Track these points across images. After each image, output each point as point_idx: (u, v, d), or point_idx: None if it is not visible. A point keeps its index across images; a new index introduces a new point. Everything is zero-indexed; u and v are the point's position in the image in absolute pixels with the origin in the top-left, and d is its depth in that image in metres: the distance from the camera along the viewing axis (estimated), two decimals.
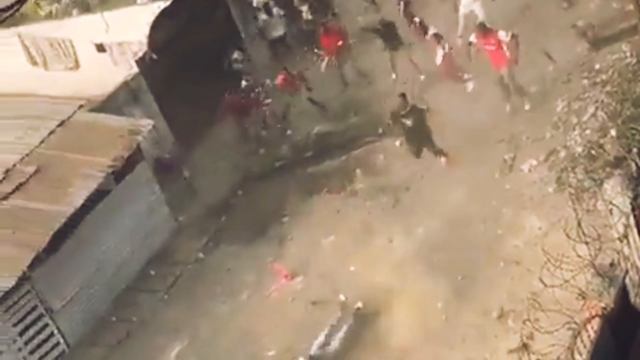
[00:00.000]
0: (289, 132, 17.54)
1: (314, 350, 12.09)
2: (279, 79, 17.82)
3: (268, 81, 18.09)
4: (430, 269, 12.75)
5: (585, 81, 14.81)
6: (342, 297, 12.87)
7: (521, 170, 13.84)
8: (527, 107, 15.01)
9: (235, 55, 18.54)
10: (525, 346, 9.12)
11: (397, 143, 15.91)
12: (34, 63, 17.78)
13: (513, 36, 14.62)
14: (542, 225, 11.73)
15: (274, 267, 14.17)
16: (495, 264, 12.26)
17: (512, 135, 14.58)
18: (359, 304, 12.59)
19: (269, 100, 17.76)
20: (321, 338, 12.23)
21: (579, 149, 13.19)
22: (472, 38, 15.70)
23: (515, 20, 16.66)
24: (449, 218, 13.51)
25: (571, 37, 15.81)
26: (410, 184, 14.84)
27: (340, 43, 17.83)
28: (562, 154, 13.44)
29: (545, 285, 9.63)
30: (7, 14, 6.87)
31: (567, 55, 15.49)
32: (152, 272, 15.22)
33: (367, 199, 14.98)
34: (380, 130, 16.38)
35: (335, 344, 12.15)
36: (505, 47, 14.92)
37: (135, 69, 16.99)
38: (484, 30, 15.32)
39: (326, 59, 17.94)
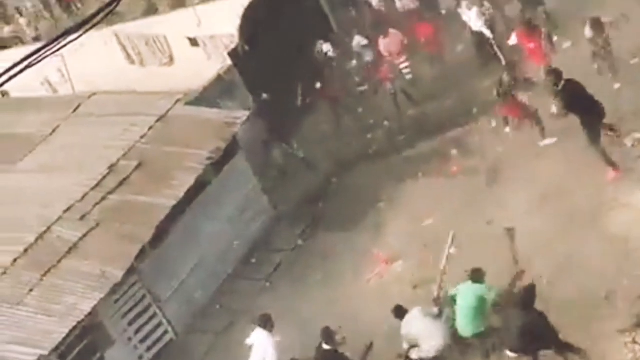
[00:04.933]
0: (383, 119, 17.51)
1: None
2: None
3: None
4: (531, 248, 12.51)
5: None
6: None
7: (625, 145, 13.42)
8: (616, 86, 14.36)
9: (324, 47, 18.49)
10: (638, 325, 8.86)
11: (493, 123, 15.68)
12: (131, 61, 18.27)
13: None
14: None
15: (373, 253, 14.19)
16: (601, 240, 11.90)
17: (614, 107, 14.15)
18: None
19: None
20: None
21: None
22: (513, 40, 15.27)
23: None
24: (550, 195, 13.21)
25: None
26: (507, 163, 14.59)
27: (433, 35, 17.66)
28: None
29: None
30: (100, 17, 7.02)
31: None
32: (253, 260, 15.46)
33: (464, 180, 14.81)
34: (474, 110, 16.18)
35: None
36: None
37: (228, 61, 17.23)
38: (529, 28, 14.75)
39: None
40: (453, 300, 11.23)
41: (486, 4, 16.95)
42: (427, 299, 12.55)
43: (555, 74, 12.75)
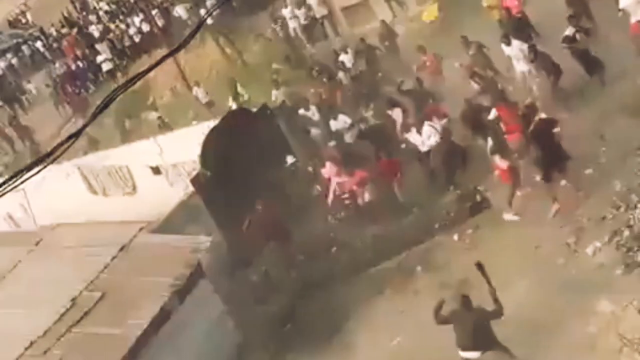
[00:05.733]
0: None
1: None
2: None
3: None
4: None
5: None
6: None
7: (586, 254, 13.60)
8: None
9: (288, 159, 18.79)
10: None
11: (455, 237, 15.83)
12: (94, 192, 18.31)
13: None
14: (615, 308, 11.42)
15: None
16: (570, 351, 11.89)
17: (574, 216, 14.42)
18: None
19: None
20: None
21: None
22: (493, 114, 16.40)
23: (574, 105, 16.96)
24: (516, 308, 13.14)
25: (623, 117, 15.81)
26: (472, 278, 14.60)
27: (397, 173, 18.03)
28: (626, 233, 13.23)
29: None
30: (61, 151, 7.11)
31: (620, 135, 15.45)
32: None
33: (430, 296, 14.77)
34: (436, 226, 16.34)
35: None
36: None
37: (191, 188, 17.34)
38: (507, 103, 16.60)
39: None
40: None
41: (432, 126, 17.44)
42: None
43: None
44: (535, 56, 18.11)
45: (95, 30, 37.38)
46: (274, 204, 17.52)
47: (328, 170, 17.97)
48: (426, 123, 17.49)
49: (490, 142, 15.73)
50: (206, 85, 28.55)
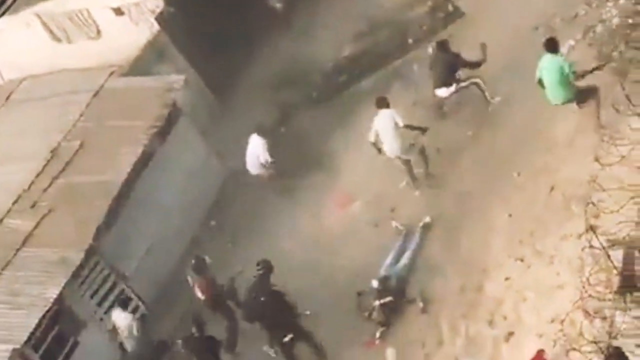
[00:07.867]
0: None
1: (384, 271, 12.16)
2: None
3: None
4: (484, 168, 12.71)
5: None
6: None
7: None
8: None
9: None
10: (592, 228, 9.05)
11: (429, 49, 15.67)
12: (57, 39, 17.81)
13: None
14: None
15: (331, 195, 14.21)
16: (548, 150, 12.13)
17: (545, 18, 14.22)
18: (427, 219, 12.62)
19: None
20: (389, 259, 12.29)
21: (616, 21, 12.86)
22: None
23: None
24: (495, 112, 13.38)
25: None
26: None
27: None
28: (599, 28, 13.12)
29: (602, 165, 9.52)
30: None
31: None
32: (213, 223, 15.37)
33: (410, 111, 14.80)
34: (410, 40, 16.13)
35: (404, 261, 12.22)
36: None
37: (157, 27, 16.89)
38: None
39: None
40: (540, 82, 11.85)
41: None
42: (387, 237, 12.76)
43: None
44: None
45: None
46: None
47: None
48: None
49: None
50: None
